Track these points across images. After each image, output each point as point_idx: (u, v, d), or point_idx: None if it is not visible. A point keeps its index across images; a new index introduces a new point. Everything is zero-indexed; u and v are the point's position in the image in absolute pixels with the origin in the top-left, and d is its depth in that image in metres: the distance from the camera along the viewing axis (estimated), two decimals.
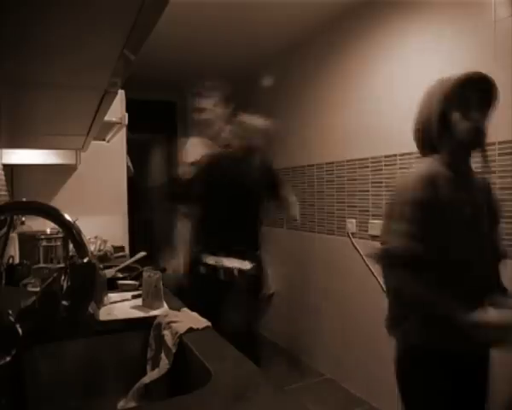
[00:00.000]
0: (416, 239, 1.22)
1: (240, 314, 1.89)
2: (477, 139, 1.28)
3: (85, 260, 0.77)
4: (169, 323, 1.16)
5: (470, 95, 1.26)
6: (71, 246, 1.94)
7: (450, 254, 1.25)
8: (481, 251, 1.28)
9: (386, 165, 2.47)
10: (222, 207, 2.03)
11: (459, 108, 1.26)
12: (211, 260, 2.00)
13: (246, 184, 2.03)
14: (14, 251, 1.92)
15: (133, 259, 1.93)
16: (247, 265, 1.98)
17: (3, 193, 2.09)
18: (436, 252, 1.24)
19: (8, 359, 0.87)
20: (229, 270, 1.96)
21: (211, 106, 2.13)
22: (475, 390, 1.33)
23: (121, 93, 2.37)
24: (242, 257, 1.98)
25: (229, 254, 1.97)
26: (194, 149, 2.18)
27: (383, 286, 1.76)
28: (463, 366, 1.27)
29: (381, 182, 2.50)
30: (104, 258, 2.19)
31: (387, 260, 1.29)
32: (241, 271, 1.96)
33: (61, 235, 1.94)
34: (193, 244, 2.15)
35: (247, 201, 2.07)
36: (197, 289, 2.02)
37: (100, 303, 1.35)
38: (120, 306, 1.41)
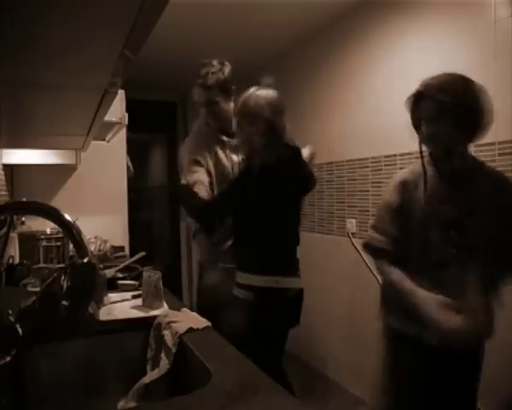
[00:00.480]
0: (394, 240, 1.31)
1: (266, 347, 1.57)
2: (439, 145, 1.28)
3: (85, 260, 0.78)
4: (169, 323, 1.16)
5: (431, 102, 1.25)
6: (71, 246, 1.94)
7: (430, 254, 1.26)
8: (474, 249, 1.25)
9: (386, 165, 2.47)
10: (261, 217, 1.63)
11: (422, 113, 1.28)
12: (244, 278, 1.62)
13: (290, 185, 1.69)
14: (14, 251, 1.92)
15: (133, 259, 1.93)
16: (291, 282, 1.62)
17: (3, 193, 2.09)
18: (415, 252, 1.28)
19: (8, 359, 0.88)
20: (265, 291, 1.57)
21: (223, 96, 1.87)
22: (461, 385, 1.33)
23: (121, 93, 2.36)
24: (282, 276, 1.61)
25: (265, 273, 1.59)
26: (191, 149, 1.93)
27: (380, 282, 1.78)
28: (448, 361, 1.28)
29: (381, 182, 2.50)
30: (104, 258, 2.19)
31: (371, 251, 1.39)
32: (280, 291, 1.59)
33: (61, 235, 1.94)
34: (221, 261, 1.83)
35: (290, 205, 1.72)
36: (228, 312, 1.61)
37: (100, 303, 1.35)
38: (120, 306, 1.41)
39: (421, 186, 1.30)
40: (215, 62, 1.88)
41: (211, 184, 1.85)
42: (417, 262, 1.29)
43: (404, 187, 1.32)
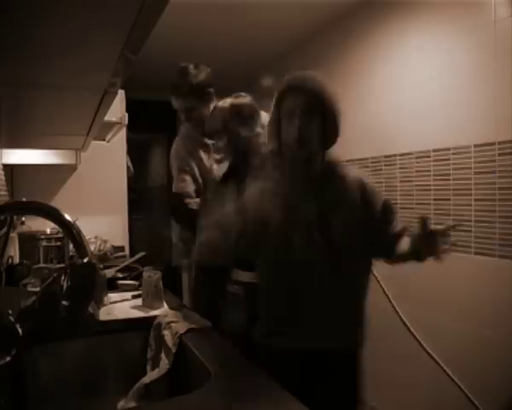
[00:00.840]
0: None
1: None
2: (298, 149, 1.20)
3: (85, 260, 0.78)
4: (169, 323, 1.16)
5: (290, 102, 1.22)
6: (71, 246, 1.94)
7: (293, 256, 1.17)
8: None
9: (386, 165, 2.47)
10: None
11: (283, 115, 1.22)
12: (235, 275, 1.58)
13: None
14: (14, 251, 1.92)
15: (133, 259, 1.93)
16: None
17: (3, 193, 2.09)
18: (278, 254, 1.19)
19: (8, 359, 0.88)
20: (250, 286, 1.49)
21: (201, 103, 1.86)
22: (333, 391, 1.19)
23: (121, 93, 2.37)
24: None
25: (251, 270, 1.52)
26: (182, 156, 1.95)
27: (384, 288, 1.75)
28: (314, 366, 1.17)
29: (381, 182, 2.50)
30: (104, 258, 2.19)
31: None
32: None
33: (61, 235, 1.94)
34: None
35: None
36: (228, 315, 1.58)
37: (100, 303, 1.35)
38: (120, 306, 1.41)
39: (279, 190, 1.24)
40: (191, 67, 1.86)
41: (197, 190, 1.89)
42: (280, 264, 1.19)
43: (262, 194, 1.25)
